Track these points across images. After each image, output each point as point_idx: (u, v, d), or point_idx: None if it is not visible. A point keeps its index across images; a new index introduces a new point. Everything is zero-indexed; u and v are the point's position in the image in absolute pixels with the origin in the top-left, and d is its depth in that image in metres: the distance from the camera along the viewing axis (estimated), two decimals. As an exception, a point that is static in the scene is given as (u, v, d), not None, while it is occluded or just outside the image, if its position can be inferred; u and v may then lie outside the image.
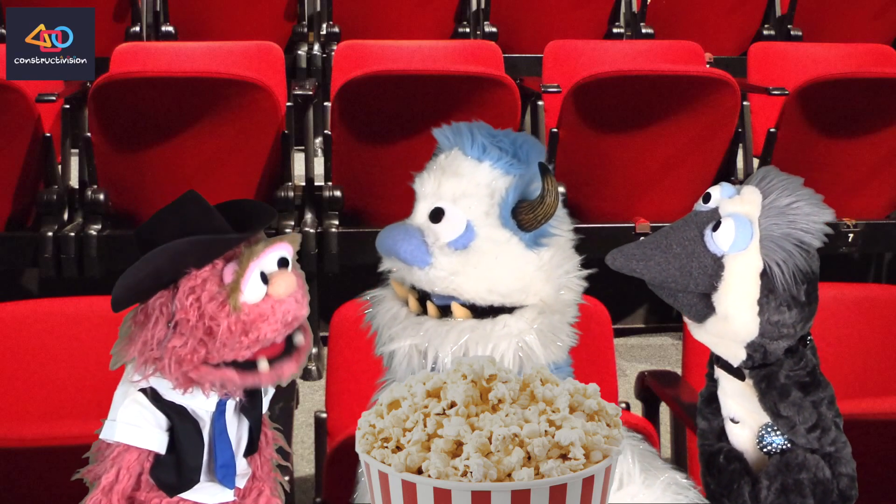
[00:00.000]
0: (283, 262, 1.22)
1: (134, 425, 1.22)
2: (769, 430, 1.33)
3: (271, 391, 1.30)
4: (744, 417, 1.35)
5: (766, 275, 1.26)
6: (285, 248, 1.23)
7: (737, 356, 1.30)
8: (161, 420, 1.22)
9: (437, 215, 1.43)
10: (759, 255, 1.26)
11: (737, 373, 1.32)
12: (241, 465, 1.28)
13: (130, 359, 1.22)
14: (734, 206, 1.28)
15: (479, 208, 1.42)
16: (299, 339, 1.24)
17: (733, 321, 1.27)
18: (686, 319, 1.33)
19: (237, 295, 1.18)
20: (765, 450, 1.33)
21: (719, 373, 1.36)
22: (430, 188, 1.46)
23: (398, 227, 1.45)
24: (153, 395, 1.22)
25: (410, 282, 1.44)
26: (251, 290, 1.18)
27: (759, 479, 1.32)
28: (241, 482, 1.28)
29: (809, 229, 1.26)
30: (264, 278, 1.20)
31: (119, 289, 1.19)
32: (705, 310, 1.29)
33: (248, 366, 1.21)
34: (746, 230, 1.26)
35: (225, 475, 1.24)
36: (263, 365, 1.21)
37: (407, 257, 1.42)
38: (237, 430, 1.26)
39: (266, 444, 1.31)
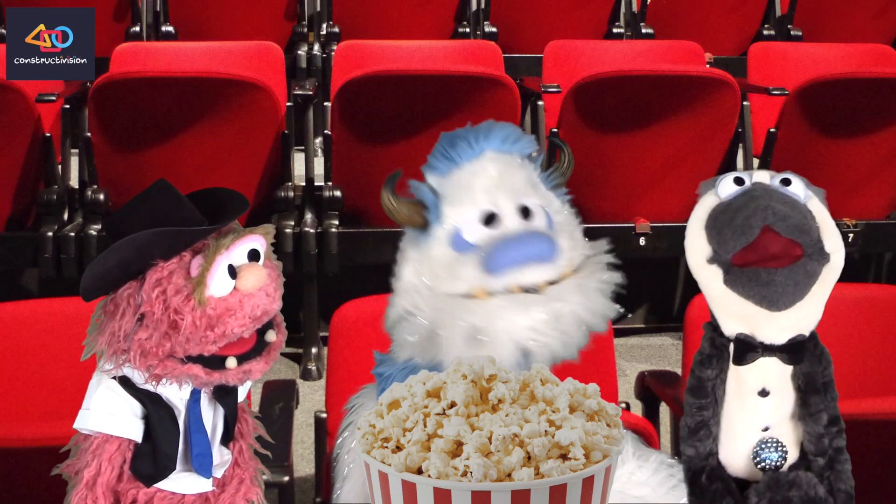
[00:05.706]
0: (253, 255, 1.19)
1: (109, 413, 1.19)
2: (765, 445, 1.33)
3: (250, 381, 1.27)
4: (776, 387, 1.33)
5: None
6: (256, 241, 1.20)
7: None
8: (136, 407, 1.20)
9: (526, 212, 1.44)
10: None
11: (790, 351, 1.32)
12: (222, 454, 1.26)
13: (100, 349, 1.20)
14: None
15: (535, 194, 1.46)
16: (271, 335, 1.21)
17: (835, 253, 1.30)
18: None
19: (202, 289, 1.16)
20: (759, 465, 1.33)
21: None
22: (485, 196, 1.44)
23: (519, 238, 1.41)
24: (126, 383, 1.20)
25: (538, 280, 1.40)
26: (217, 284, 1.16)
27: (749, 496, 1.32)
28: (219, 472, 1.25)
29: None
30: (232, 272, 1.17)
31: (87, 278, 1.17)
32: (816, 266, 1.29)
33: (216, 363, 1.18)
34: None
35: (201, 464, 1.22)
36: (231, 363, 1.18)
37: (551, 255, 1.41)
38: (213, 418, 1.24)
39: (246, 432, 1.28)
